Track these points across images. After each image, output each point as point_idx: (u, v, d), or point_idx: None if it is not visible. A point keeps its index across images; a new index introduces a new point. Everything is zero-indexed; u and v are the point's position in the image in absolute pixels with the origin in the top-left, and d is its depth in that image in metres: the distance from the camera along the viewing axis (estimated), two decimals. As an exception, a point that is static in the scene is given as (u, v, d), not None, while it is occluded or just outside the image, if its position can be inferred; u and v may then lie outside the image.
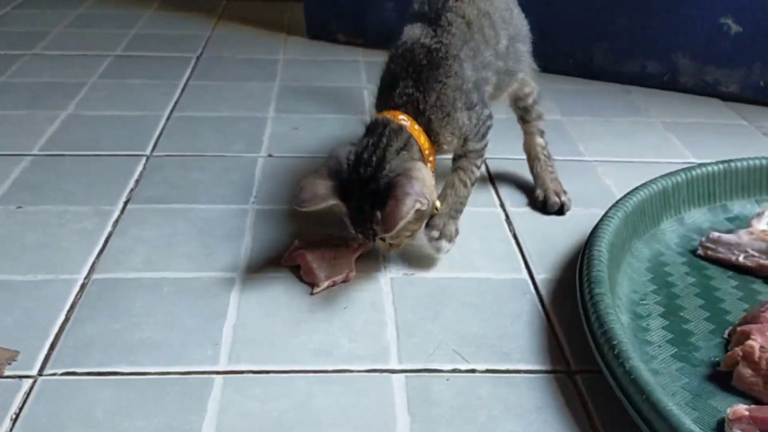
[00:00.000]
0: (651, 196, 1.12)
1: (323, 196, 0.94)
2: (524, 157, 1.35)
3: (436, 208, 1.03)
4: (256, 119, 1.53)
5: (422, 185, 0.93)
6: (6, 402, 0.79)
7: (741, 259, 1.05)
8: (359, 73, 1.82)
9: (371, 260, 1.07)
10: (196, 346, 0.89)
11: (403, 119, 0.99)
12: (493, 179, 1.32)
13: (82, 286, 0.99)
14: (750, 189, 1.22)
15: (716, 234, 1.09)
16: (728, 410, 0.76)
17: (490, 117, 1.08)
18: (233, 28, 2.15)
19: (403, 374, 0.86)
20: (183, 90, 1.66)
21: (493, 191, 1.28)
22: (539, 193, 1.24)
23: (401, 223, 0.90)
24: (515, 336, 0.93)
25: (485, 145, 1.08)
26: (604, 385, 0.82)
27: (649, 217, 1.12)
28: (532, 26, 1.81)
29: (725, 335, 0.92)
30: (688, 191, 1.18)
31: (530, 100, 1.24)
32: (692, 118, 1.62)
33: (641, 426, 0.73)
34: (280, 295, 0.99)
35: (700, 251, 1.09)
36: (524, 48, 1.16)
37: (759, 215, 1.12)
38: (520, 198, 1.26)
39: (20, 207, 1.17)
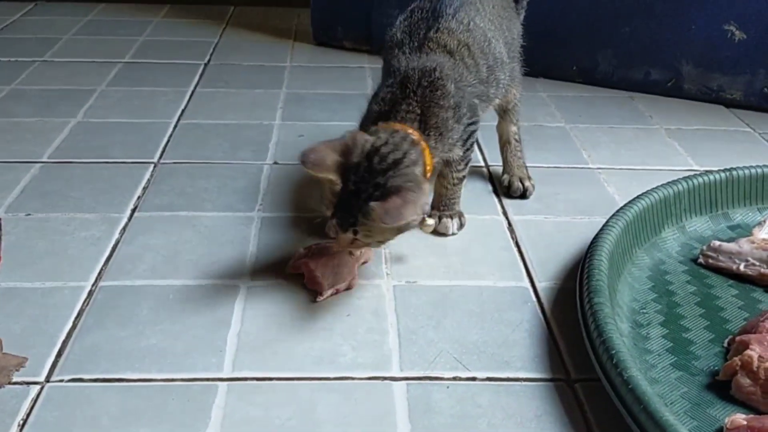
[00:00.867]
0: (652, 204, 1.13)
1: (327, 168, 0.94)
2: (527, 162, 1.36)
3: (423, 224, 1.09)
4: (263, 126, 1.54)
5: (424, 206, 0.97)
6: (14, 408, 0.81)
7: (742, 268, 1.06)
8: (365, 79, 1.84)
9: (374, 268, 1.08)
10: (201, 354, 0.90)
11: (414, 134, 1.01)
12: (497, 189, 1.33)
13: (90, 293, 1.01)
14: (752, 197, 1.22)
15: (717, 243, 1.10)
16: (726, 420, 0.77)
17: (475, 124, 1.11)
18: (241, 34, 2.17)
19: (404, 382, 0.87)
20: (190, 97, 1.68)
21: (495, 199, 1.29)
22: (505, 177, 1.32)
23: (400, 224, 0.91)
24: (516, 344, 0.94)
25: (469, 148, 1.12)
26: (603, 394, 0.83)
27: (650, 226, 1.13)
28: (537, 32, 1.82)
29: (725, 344, 0.93)
30: (690, 199, 1.18)
31: (511, 105, 1.31)
32: (696, 125, 1.62)
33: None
34: (283, 303, 1.00)
35: (701, 260, 1.10)
36: (503, 76, 1.19)
37: (761, 224, 1.12)
38: (523, 206, 1.27)
39: (29, 214, 1.19)
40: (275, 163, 1.39)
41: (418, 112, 1.03)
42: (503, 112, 1.31)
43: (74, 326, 0.94)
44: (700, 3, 1.65)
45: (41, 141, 1.44)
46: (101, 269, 1.06)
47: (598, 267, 0.96)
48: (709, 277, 1.07)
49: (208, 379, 0.86)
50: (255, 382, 0.86)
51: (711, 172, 1.21)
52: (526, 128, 1.54)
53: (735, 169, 1.22)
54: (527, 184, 1.29)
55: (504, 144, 1.33)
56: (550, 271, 1.09)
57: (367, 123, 1.05)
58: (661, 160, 1.45)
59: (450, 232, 1.16)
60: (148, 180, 1.31)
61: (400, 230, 0.97)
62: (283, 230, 1.17)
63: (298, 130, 1.53)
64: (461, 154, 1.11)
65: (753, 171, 1.22)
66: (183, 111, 1.60)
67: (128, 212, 1.20)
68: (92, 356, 0.89)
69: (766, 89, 1.68)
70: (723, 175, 1.21)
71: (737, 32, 1.65)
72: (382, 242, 1.00)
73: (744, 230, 1.17)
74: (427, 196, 1.00)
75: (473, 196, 1.27)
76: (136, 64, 1.89)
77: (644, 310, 0.99)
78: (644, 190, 1.14)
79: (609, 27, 1.76)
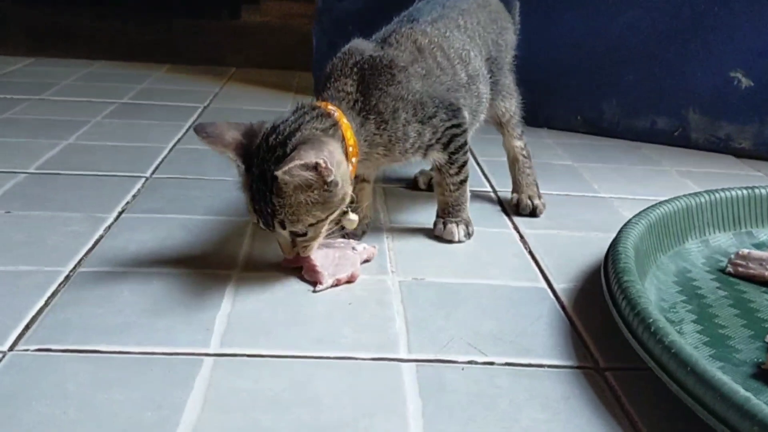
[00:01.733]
0: (674, 211, 1.06)
1: (226, 143, 0.88)
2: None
3: (350, 206, 0.95)
4: (261, 154, 1.49)
5: (331, 156, 0.87)
6: (-32, 372, 0.71)
7: (775, 273, 0.98)
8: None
9: (378, 266, 1.00)
10: (185, 331, 0.81)
11: (332, 110, 0.93)
12: (507, 209, 1.26)
13: (67, 277, 0.92)
14: (776, 217, 1.16)
15: (746, 250, 1.02)
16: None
17: (457, 127, 1.03)
18: (242, 87, 2.15)
19: (413, 363, 0.77)
20: (188, 129, 1.63)
21: (505, 217, 1.22)
22: (514, 196, 1.25)
23: (294, 165, 0.82)
24: (536, 334, 0.84)
25: (454, 153, 1.04)
26: (638, 382, 0.74)
27: (673, 234, 1.06)
28: (539, 81, 1.81)
29: (767, 339, 0.84)
30: (713, 213, 1.12)
31: (505, 119, 1.25)
32: (707, 169, 1.58)
33: (690, 404, 0.65)
34: (278, 291, 0.91)
35: (729, 268, 1.02)
36: (485, 90, 1.13)
37: (789, 235, 1.06)
38: (534, 222, 1.20)
39: (8, 212, 1.11)
40: (273, 181, 1.32)
41: (350, 90, 0.96)
42: (500, 126, 1.26)
43: (47, 304, 0.85)
44: (705, 49, 1.65)
45: (29, 156, 1.37)
46: (81, 258, 0.97)
47: (624, 252, 0.88)
48: (739, 284, 0.99)
49: (192, 354, 0.76)
50: (244, 358, 0.77)
51: (732, 188, 1.15)
52: (532, 164, 1.51)
53: (757, 187, 1.16)
54: (537, 201, 1.23)
55: (512, 162, 1.27)
56: (568, 274, 1.01)
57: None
58: (676, 193, 1.38)
59: (456, 238, 1.08)
60: (139, 189, 1.24)
61: (325, 202, 0.88)
62: (280, 234, 1.09)
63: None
64: (446, 157, 1.04)
65: (776, 190, 1.16)
66: (180, 139, 1.55)
67: (115, 213, 1.13)
68: (63, 329, 0.80)
69: (775, 138, 1.65)
70: (745, 191, 1.15)
71: (744, 79, 1.64)
72: (321, 219, 0.89)
73: (770, 246, 1.10)
74: (341, 156, 0.90)
75: (481, 214, 1.20)
76: (134, 105, 1.85)
77: (674, 310, 0.91)
78: (663, 205, 1.08)
79: (613, 75, 1.74)
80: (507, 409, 0.70)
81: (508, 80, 1.24)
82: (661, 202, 1.07)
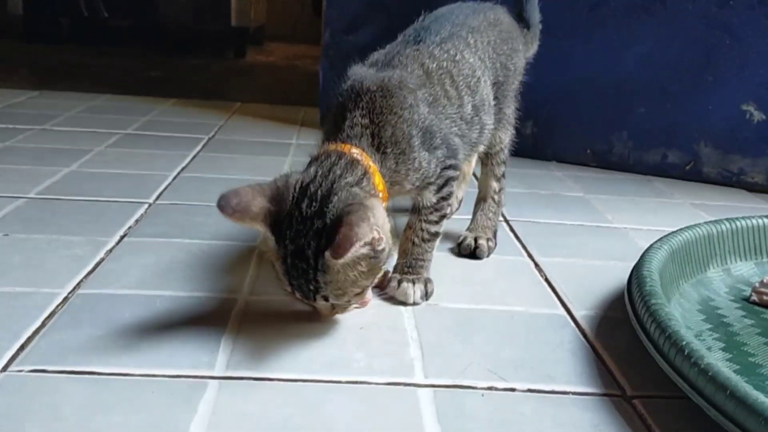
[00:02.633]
0: (696, 239, 1.03)
1: (253, 216, 0.77)
2: (548, 220, 1.28)
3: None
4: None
5: (377, 221, 0.77)
6: (-42, 392, 0.67)
7: (803, 301, 0.94)
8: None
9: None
10: (190, 353, 0.76)
11: (357, 153, 0.84)
12: (520, 238, 1.22)
13: (65, 299, 0.88)
14: (798, 247, 1.12)
15: (770, 278, 0.99)
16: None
17: (454, 169, 0.94)
18: (247, 120, 2.13)
19: (430, 388, 0.73)
20: (193, 158, 1.61)
21: (518, 243, 1.19)
22: (462, 233, 1.13)
23: (354, 249, 0.72)
24: (558, 361, 0.80)
25: (443, 200, 0.95)
26: (668, 411, 0.71)
27: (695, 261, 1.02)
28: (548, 114, 1.80)
29: (800, 367, 0.80)
30: (734, 242, 1.09)
31: (495, 150, 1.14)
32: (721, 202, 1.55)
33: (730, 429, 0.60)
34: (287, 315, 0.87)
35: (754, 297, 0.98)
36: (489, 120, 1.05)
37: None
38: (549, 250, 1.16)
39: (7, 235, 1.07)
40: (280, 208, 1.29)
41: (366, 123, 0.86)
42: (486, 158, 1.15)
43: (43, 325, 0.81)
44: (717, 83, 1.63)
45: (30, 182, 1.34)
46: (81, 280, 0.93)
47: (650, 276, 0.84)
48: (765, 313, 0.95)
49: (196, 377, 0.72)
50: (251, 381, 0.72)
51: (754, 216, 1.12)
52: (542, 197, 1.48)
53: (778, 216, 1.13)
54: (481, 241, 1.10)
55: (479, 200, 1.17)
56: (587, 301, 0.97)
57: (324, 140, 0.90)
58: (692, 223, 1.36)
59: (410, 300, 0.91)
60: (141, 215, 1.20)
61: (371, 269, 0.80)
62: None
63: (304, 186, 1.44)
64: (433, 201, 0.94)
65: (797, 219, 1.13)
66: (184, 168, 1.52)
67: (117, 237, 1.09)
68: (60, 350, 0.75)
69: (788, 172, 1.62)
70: (766, 221, 1.12)
71: (756, 113, 1.62)
72: (365, 286, 0.81)
73: (795, 276, 1.06)
74: (384, 216, 0.82)
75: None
76: (139, 135, 1.83)
77: (701, 338, 0.87)
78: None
79: (624, 108, 1.73)
80: (532, 436, 0.66)
81: (510, 110, 1.14)
82: (681, 229, 1.04)
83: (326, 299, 0.79)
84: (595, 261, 1.12)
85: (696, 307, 0.95)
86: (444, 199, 0.95)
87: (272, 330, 0.83)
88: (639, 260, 0.92)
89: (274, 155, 1.69)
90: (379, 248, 0.78)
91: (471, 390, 0.73)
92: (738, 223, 1.10)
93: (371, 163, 0.85)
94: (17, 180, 1.35)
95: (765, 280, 0.99)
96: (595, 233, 1.27)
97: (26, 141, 1.68)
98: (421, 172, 0.90)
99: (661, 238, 0.99)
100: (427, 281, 0.95)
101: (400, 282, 0.93)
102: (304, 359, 0.77)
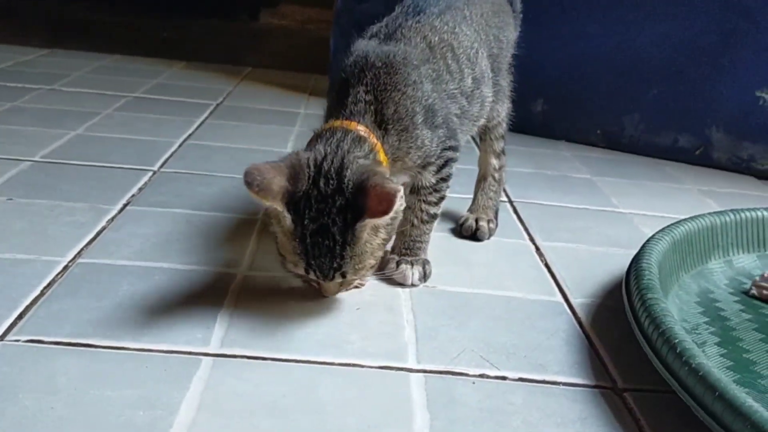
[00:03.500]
0: (699, 229, 1.02)
1: (274, 194, 0.76)
2: (553, 202, 1.27)
3: None
4: (273, 153, 1.44)
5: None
6: (-46, 360, 0.68)
7: (803, 297, 0.94)
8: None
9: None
10: (185, 329, 0.77)
11: (362, 130, 0.85)
12: (523, 220, 1.22)
13: (65, 268, 0.88)
14: (803, 240, 1.12)
15: (772, 272, 0.98)
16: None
17: (453, 150, 0.94)
18: (256, 86, 2.12)
19: (422, 374, 0.73)
20: (200, 125, 1.60)
21: (520, 226, 1.18)
22: (463, 214, 1.13)
23: (397, 201, 0.74)
24: (551, 349, 0.80)
25: (442, 181, 0.94)
26: (659, 405, 0.71)
27: (696, 252, 1.02)
28: (559, 93, 1.77)
29: (794, 366, 0.79)
30: (737, 233, 1.08)
31: (493, 123, 1.13)
32: (729, 189, 1.54)
33: (716, 430, 0.60)
34: (284, 292, 0.88)
35: (753, 291, 0.98)
36: (488, 92, 1.04)
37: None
38: (552, 234, 1.15)
39: (11, 199, 1.08)
40: (284, 180, 1.29)
41: (369, 99, 0.86)
42: (484, 133, 1.14)
43: (42, 294, 0.81)
44: (732, 68, 1.60)
45: (36, 144, 1.34)
46: (81, 249, 0.94)
47: (648, 269, 0.84)
48: (764, 307, 0.95)
49: (190, 353, 0.73)
50: (245, 359, 0.73)
51: (759, 208, 1.11)
52: (548, 177, 1.47)
53: (784, 208, 1.12)
54: (482, 223, 1.10)
55: (480, 179, 1.16)
56: (586, 289, 0.97)
57: (327, 117, 0.90)
58: (698, 211, 1.33)
59: (409, 281, 0.92)
60: (146, 182, 1.20)
61: (386, 238, 0.82)
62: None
63: (309, 158, 1.44)
64: (433, 181, 0.93)
65: (803, 212, 1.12)
66: (190, 135, 1.52)
67: (120, 206, 1.09)
68: (57, 321, 0.76)
69: (800, 161, 1.61)
70: (771, 212, 1.11)
71: (770, 99, 1.60)
72: (374, 265, 0.83)
73: (798, 270, 1.05)
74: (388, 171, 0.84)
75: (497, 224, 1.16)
76: (147, 99, 1.82)
77: (696, 331, 0.86)
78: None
79: (635, 90, 1.70)
80: (520, 427, 0.66)
81: (506, 81, 1.13)
82: (684, 219, 1.03)
83: (344, 275, 0.80)
84: (597, 247, 1.12)
85: (694, 299, 0.95)
86: (443, 180, 0.95)
87: (269, 307, 0.83)
88: (639, 251, 0.91)
89: (281, 124, 1.68)
90: (402, 208, 0.82)
91: (462, 377, 0.73)
92: (742, 214, 1.09)
93: (375, 140, 0.85)
94: (23, 142, 1.35)
95: (766, 275, 0.98)
96: (600, 218, 1.26)
97: (34, 101, 1.68)
98: (423, 150, 0.90)
99: (664, 228, 0.99)
100: (425, 263, 0.95)
101: (398, 263, 0.94)
102: (299, 339, 0.77)
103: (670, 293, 0.93)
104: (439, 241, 1.07)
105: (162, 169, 1.28)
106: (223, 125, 1.63)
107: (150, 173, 1.25)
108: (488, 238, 1.10)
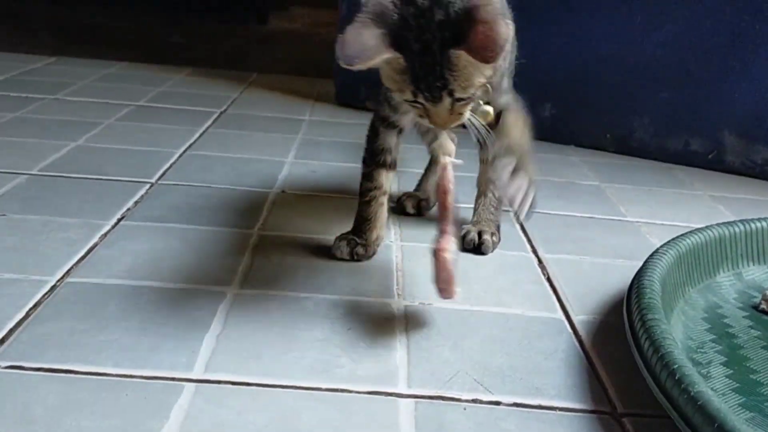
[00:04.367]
0: (706, 242, 0.99)
1: (375, 48, 0.73)
2: (558, 211, 1.24)
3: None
4: (274, 162, 1.43)
5: (502, 8, 0.76)
6: (-70, 389, 0.66)
7: (814, 313, 0.90)
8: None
9: (382, 288, 0.94)
10: (169, 352, 0.75)
11: None
12: (526, 231, 1.19)
13: (52, 288, 0.86)
14: (816, 251, 1.08)
15: (782, 286, 0.95)
16: None
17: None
18: (262, 93, 2.11)
19: (411, 399, 0.71)
20: (201, 135, 1.59)
21: (523, 236, 1.15)
22: (464, 227, 1.08)
23: (503, 51, 0.71)
24: (549, 372, 0.77)
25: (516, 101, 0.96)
26: (659, 430, 0.68)
27: (704, 266, 0.98)
28: (567, 96, 1.73)
29: (804, 388, 0.76)
30: (747, 245, 1.04)
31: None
32: (742, 195, 1.50)
33: (713, 464, 0.58)
34: (274, 311, 0.85)
35: (763, 306, 0.94)
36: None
37: (831, 272, 0.98)
38: (555, 245, 1.12)
39: (4, 215, 1.07)
40: (283, 191, 1.27)
41: None
42: (482, 151, 1.08)
43: (27, 316, 0.80)
44: (744, 69, 1.56)
45: (34, 157, 1.33)
46: (71, 267, 0.92)
47: (650, 287, 0.81)
48: (774, 323, 0.91)
49: (173, 379, 0.71)
50: (229, 386, 0.71)
51: (769, 218, 1.07)
52: (555, 185, 1.44)
53: (796, 217, 1.08)
54: (486, 236, 1.06)
55: (478, 196, 1.11)
56: (588, 305, 0.94)
57: None
58: (707, 219, 1.31)
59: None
60: (142, 196, 1.19)
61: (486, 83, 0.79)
62: (283, 249, 1.03)
63: (310, 168, 1.42)
64: (511, 101, 0.96)
65: (817, 221, 1.08)
66: (191, 144, 1.50)
67: (113, 221, 1.08)
68: (40, 345, 0.74)
69: (815, 165, 1.56)
70: (783, 222, 1.07)
71: (784, 102, 1.55)
72: (483, 82, 0.79)
73: (810, 282, 1.02)
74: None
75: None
76: (150, 108, 1.81)
77: (702, 350, 0.83)
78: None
79: (646, 93, 1.67)
80: (512, 457, 0.64)
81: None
82: (692, 231, 0.99)
83: (451, 94, 0.77)
84: (601, 259, 1.09)
85: (701, 315, 0.91)
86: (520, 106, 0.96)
87: (257, 328, 0.81)
88: (642, 266, 0.88)
89: (284, 133, 1.66)
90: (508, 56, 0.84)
91: (454, 402, 0.71)
92: (752, 225, 1.05)
93: None
94: (22, 155, 1.34)
95: (776, 288, 0.95)
96: (606, 227, 1.23)
97: (37, 112, 1.67)
98: (502, 70, 0.90)
99: (669, 241, 0.95)
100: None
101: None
102: (287, 362, 0.75)
103: (676, 309, 0.90)
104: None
105: (160, 181, 1.26)
106: (225, 134, 1.61)
107: (147, 185, 1.24)
108: (492, 252, 1.07)
